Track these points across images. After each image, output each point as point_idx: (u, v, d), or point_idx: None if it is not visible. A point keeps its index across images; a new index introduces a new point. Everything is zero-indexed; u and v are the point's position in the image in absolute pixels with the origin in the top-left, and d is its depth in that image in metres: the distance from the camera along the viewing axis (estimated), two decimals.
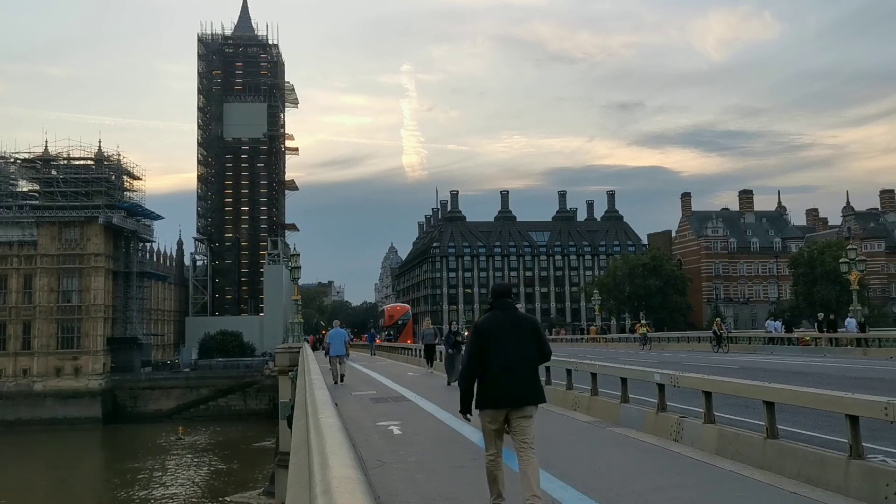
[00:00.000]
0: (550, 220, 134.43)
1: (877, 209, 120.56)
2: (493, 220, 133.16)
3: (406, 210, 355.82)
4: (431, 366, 25.88)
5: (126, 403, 73.17)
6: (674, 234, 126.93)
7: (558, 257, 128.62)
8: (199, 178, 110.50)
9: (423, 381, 22.39)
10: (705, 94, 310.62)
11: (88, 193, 77.04)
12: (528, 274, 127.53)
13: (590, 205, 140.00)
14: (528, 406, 6.01)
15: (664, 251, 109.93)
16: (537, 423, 6.15)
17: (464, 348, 9.58)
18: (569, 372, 14.29)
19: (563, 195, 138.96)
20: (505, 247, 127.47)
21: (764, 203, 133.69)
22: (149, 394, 73.77)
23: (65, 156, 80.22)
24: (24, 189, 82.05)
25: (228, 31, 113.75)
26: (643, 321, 54.65)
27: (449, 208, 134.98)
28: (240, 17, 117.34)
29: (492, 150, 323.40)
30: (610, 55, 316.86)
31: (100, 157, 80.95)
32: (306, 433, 6.55)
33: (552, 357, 14.67)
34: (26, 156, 79.42)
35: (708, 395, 9.21)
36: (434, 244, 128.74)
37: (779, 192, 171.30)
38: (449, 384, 19.22)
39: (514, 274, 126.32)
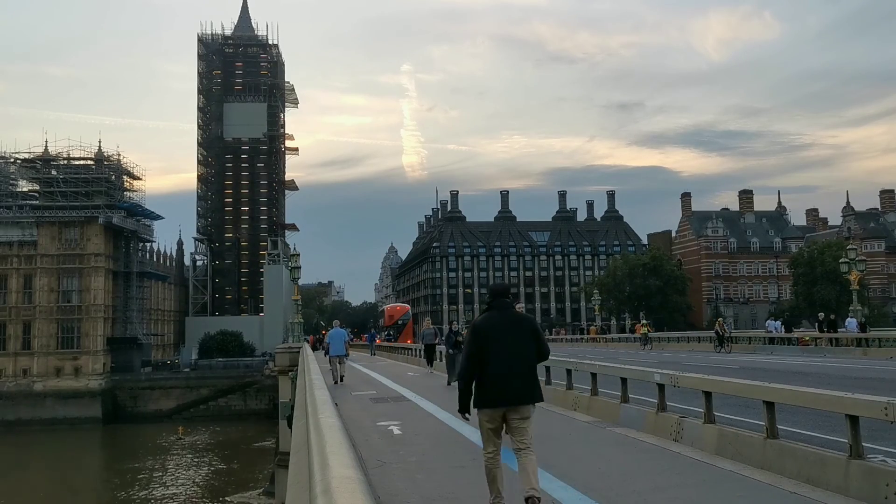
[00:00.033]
0: (550, 220, 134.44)
1: (877, 209, 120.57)
2: (493, 220, 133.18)
3: (406, 210, 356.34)
4: (431, 366, 25.88)
5: (126, 403, 73.17)
6: (674, 234, 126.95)
7: (558, 257, 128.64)
8: (199, 178, 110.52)
9: (423, 381, 22.39)
10: (705, 94, 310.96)
11: (88, 193, 77.06)
12: (528, 274, 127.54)
13: (590, 205, 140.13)
14: (526, 405, 6.05)
15: (664, 251, 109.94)
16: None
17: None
18: (569, 372, 14.29)
19: (563, 195, 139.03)
20: (505, 247, 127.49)
21: (764, 203, 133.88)
22: (149, 394, 73.77)
23: (65, 156, 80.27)
24: (24, 189, 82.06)
25: (228, 31, 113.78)
26: (644, 321, 54.63)
27: (449, 208, 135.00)
28: (240, 17, 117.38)
29: (492, 150, 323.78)
30: (610, 55, 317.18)
31: (100, 157, 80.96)
32: (306, 433, 6.56)
33: (552, 357, 14.70)
34: (26, 156, 79.48)
35: (708, 395, 9.21)
36: (434, 244, 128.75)
37: (779, 192, 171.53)
38: (449, 384, 19.21)
39: (514, 274, 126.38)
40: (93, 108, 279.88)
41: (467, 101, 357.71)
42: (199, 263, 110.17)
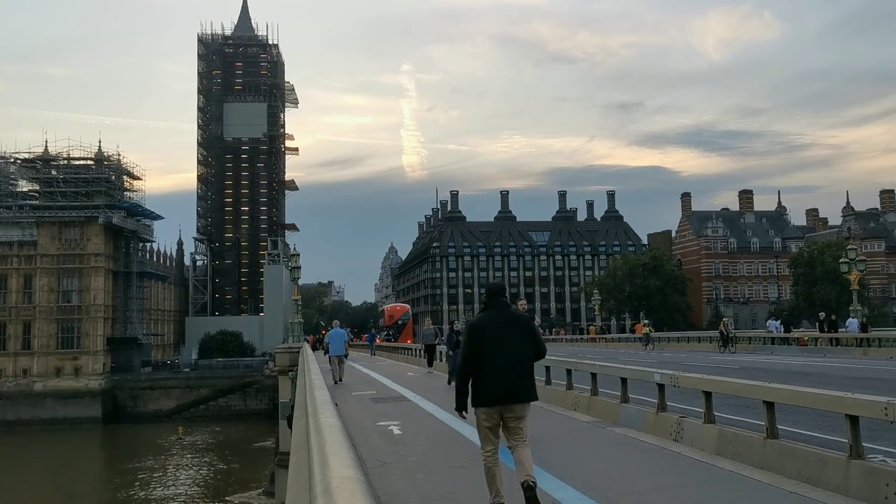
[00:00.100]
0: (550, 220, 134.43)
1: (877, 209, 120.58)
2: (493, 220, 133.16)
3: (406, 210, 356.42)
4: (431, 366, 25.89)
5: (126, 403, 73.17)
6: (674, 234, 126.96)
7: (558, 257, 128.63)
8: (199, 178, 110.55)
9: (423, 381, 22.39)
10: (705, 94, 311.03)
11: (88, 193, 77.07)
12: (528, 274, 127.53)
13: (590, 205, 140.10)
14: (523, 403, 6.12)
15: (664, 251, 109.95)
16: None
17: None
18: (569, 372, 14.28)
19: (563, 195, 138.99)
20: (505, 247, 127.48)
21: (764, 203, 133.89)
22: (149, 394, 73.77)
23: (65, 156, 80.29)
24: (24, 189, 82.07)
25: (228, 31, 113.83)
26: (644, 321, 54.56)
27: (449, 208, 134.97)
28: (240, 17, 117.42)
29: (492, 150, 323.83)
30: (610, 55, 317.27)
31: (100, 157, 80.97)
32: (306, 433, 6.56)
33: (553, 357, 14.69)
34: (26, 156, 79.50)
35: (708, 395, 9.21)
36: (434, 244, 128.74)
37: (779, 192, 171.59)
38: (449, 384, 19.20)
39: (514, 274, 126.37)
40: (93, 108, 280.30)
41: (467, 101, 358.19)
42: (199, 263, 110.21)
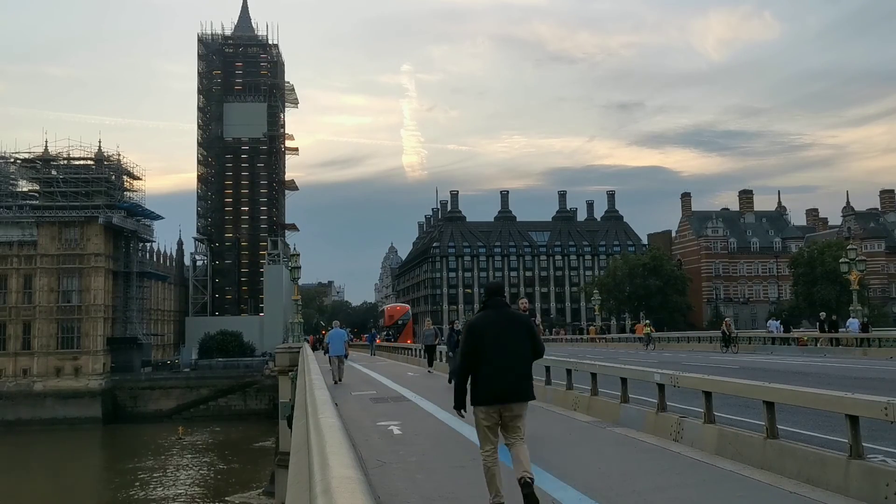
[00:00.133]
0: (550, 220, 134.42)
1: (877, 209, 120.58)
2: (493, 220, 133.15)
3: (406, 210, 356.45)
4: (431, 366, 25.88)
5: (126, 403, 73.17)
6: (674, 234, 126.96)
7: (558, 257, 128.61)
8: (199, 178, 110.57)
9: (423, 381, 22.39)
10: (705, 94, 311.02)
11: (88, 193, 77.08)
12: (528, 274, 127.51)
13: (590, 205, 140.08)
14: (521, 402, 6.15)
15: (664, 251, 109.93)
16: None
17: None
18: (569, 372, 14.27)
19: (563, 195, 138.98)
20: (505, 247, 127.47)
21: (764, 203, 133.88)
22: (149, 394, 73.77)
23: (65, 156, 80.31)
24: (24, 189, 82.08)
25: (228, 31, 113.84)
26: (645, 321, 54.51)
27: (449, 208, 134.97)
28: (240, 17, 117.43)
29: (492, 150, 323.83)
30: (610, 55, 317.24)
31: (100, 157, 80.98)
32: (306, 433, 6.56)
33: (553, 357, 14.68)
34: (26, 156, 79.50)
35: (708, 395, 9.21)
36: (434, 244, 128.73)
37: (779, 192, 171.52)
38: (450, 383, 19.18)
39: (514, 274, 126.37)
40: (93, 108, 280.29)
41: (467, 101, 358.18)
42: (199, 263, 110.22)
